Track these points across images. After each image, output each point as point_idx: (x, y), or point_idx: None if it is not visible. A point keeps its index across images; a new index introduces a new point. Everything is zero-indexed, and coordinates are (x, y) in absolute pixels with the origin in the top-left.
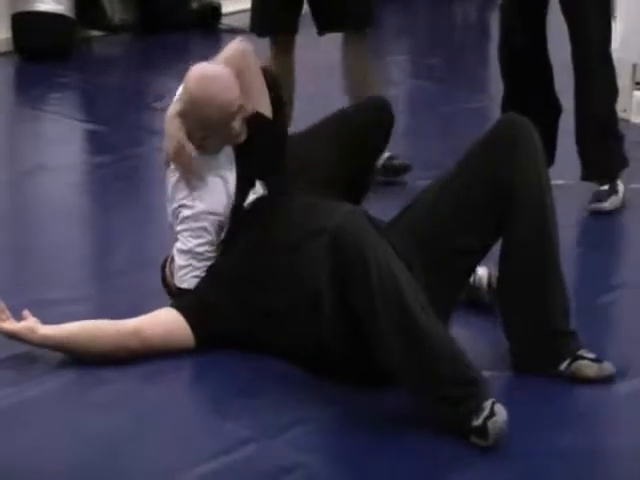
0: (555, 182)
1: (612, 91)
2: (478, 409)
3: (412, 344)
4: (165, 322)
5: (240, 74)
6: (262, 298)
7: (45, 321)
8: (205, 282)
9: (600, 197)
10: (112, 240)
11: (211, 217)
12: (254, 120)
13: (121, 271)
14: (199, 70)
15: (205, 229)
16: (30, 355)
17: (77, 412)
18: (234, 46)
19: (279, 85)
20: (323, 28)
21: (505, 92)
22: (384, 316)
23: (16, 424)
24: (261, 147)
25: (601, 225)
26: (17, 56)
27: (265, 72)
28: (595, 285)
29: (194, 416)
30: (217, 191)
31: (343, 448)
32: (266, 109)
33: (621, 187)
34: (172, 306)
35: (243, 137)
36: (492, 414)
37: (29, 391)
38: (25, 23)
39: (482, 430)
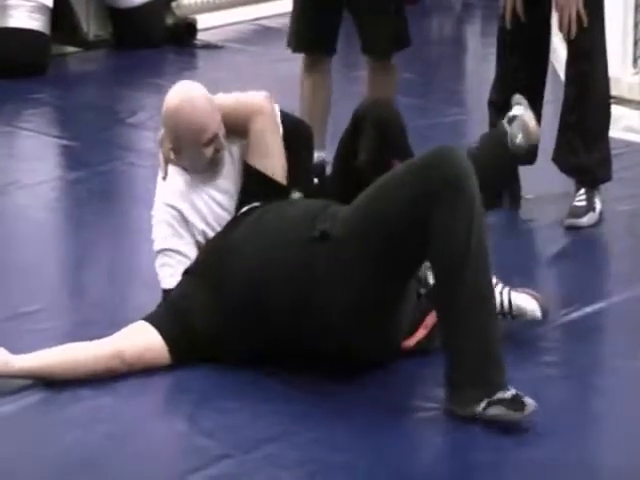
0: (527, 196)
1: (605, 104)
2: (505, 386)
3: (483, 296)
4: (143, 340)
5: (245, 125)
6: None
7: (22, 335)
8: (178, 290)
9: (577, 213)
10: (87, 255)
11: (170, 210)
12: (260, 179)
13: (96, 285)
14: (179, 88)
15: (166, 222)
16: None
17: (52, 429)
18: (255, 98)
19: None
20: (362, 51)
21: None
22: (475, 253)
23: None
24: (265, 199)
25: (577, 238)
26: None
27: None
28: (576, 297)
29: (170, 432)
30: (176, 183)
31: (320, 463)
32: (276, 170)
33: (599, 205)
34: (146, 320)
35: (220, 164)
36: (521, 395)
37: (5, 406)
38: (0, 39)
39: (516, 402)
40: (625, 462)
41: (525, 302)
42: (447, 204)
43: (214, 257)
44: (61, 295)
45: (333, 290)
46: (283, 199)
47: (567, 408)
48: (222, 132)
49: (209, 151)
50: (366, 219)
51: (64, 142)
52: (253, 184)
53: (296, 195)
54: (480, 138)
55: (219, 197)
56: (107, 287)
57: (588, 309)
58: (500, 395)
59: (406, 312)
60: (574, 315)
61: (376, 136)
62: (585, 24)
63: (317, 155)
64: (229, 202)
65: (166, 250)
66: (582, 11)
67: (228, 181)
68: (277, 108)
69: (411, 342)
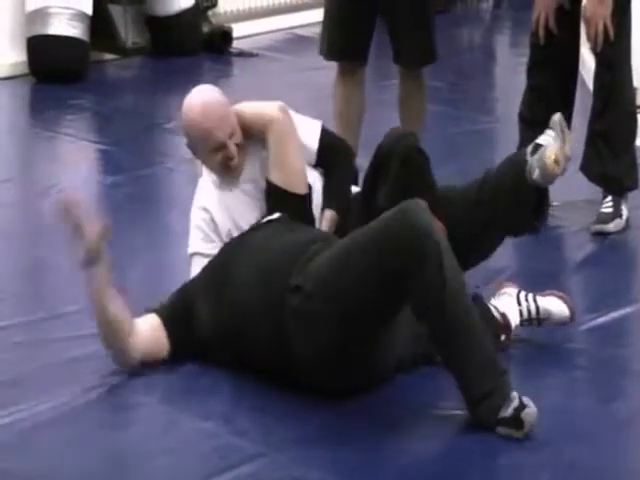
0: (555, 203)
1: (631, 114)
2: (507, 400)
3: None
4: (150, 326)
5: (262, 137)
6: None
7: (60, 334)
8: (186, 286)
9: (604, 219)
10: (123, 259)
11: (203, 213)
12: (278, 192)
13: (132, 289)
14: (194, 93)
15: (197, 226)
16: (48, 372)
17: (89, 429)
18: (267, 109)
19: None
20: (394, 61)
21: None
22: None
23: (34, 438)
24: (285, 211)
25: (604, 244)
26: (33, 78)
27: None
28: (602, 302)
29: (203, 432)
30: (209, 184)
31: (353, 462)
32: (292, 180)
33: (625, 211)
34: (154, 311)
35: (236, 171)
36: (523, 405)
37: (42, 406)
38: (41, 46)
39: (515, 421)
40: None
41: (552, 304)
42: (413, 270)
43: (220, 265)
44: None
45: (303, 341)
46: (302, 208)
47: (593, 411)
48: (235, 140)
49: (218, 157)
50: (333, 284)
51: (102, 147)
52: (273, 196)
53: (327, 214)
54: (502, 162)
55: (245, 198)
56: (142, 291)
57: (615, 314)
58: (502, 414)
59: (402, 338)
60: (601, 320)
61: (401, 179)
62: (612, 37)
63: None
64: (255, 203)
65: (195, 254)
66: (609, 24)
67: (252, 184)
68: (294, 116)
69: None
